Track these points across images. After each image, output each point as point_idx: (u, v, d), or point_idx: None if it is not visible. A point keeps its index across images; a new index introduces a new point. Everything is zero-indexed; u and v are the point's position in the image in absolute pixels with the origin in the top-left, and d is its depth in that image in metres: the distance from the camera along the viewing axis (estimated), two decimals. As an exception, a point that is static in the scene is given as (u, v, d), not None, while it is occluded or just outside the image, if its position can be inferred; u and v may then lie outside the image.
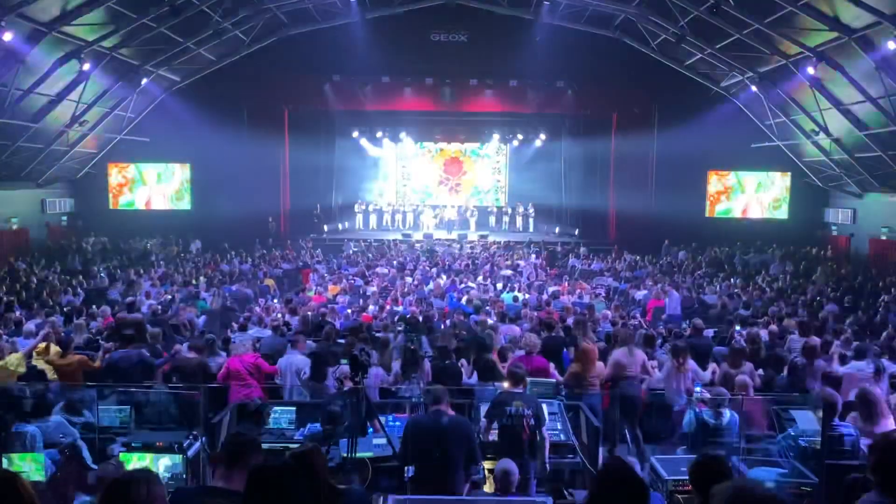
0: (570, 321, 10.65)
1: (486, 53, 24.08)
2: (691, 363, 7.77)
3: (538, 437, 5.93)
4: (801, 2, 15.94)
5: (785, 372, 7.82)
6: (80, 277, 16.47)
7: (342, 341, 9.18)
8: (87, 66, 18.25)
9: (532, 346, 8.34)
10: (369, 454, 5.73)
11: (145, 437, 5.39)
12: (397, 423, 6.28)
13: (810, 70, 18.27)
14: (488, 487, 5.44)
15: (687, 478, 4.79)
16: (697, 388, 7.33)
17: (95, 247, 23.45)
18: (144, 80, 21.98)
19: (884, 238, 22.55)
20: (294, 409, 6.52)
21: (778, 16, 17.22)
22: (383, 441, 5.76)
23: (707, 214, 27.04)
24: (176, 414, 6.09)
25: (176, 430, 5.61)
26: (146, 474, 2.78)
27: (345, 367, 6.73)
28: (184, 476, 5.03)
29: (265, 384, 7.94)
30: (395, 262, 19.67)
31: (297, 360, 8.11)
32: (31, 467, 4.83)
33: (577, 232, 27.27)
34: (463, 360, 8.40)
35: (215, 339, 9.08)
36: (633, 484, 2.95)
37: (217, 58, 23.77)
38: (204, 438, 5.50)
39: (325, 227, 27.37)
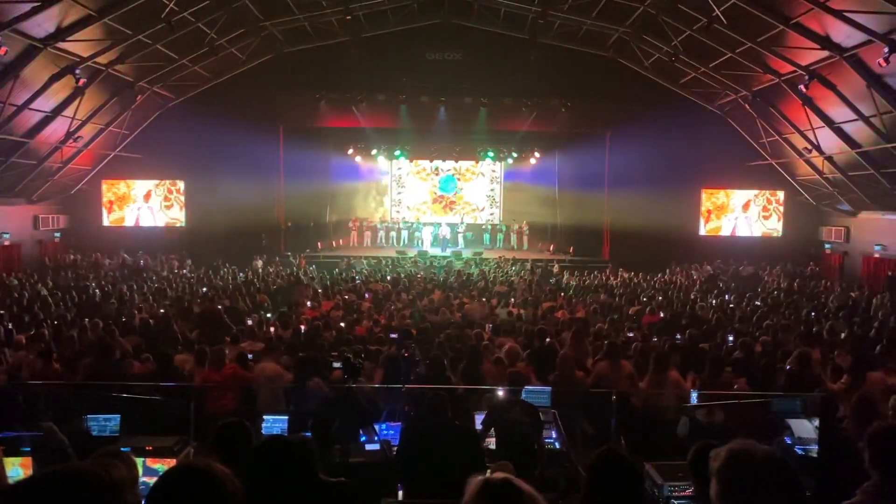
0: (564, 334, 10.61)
1: (480, 72, 24.25)
2: (674, 373, 7.78)
3: (536, 445, 5.88)
4: (793, 21, 16.09)
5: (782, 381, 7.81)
6: (73, 292, 16.37)
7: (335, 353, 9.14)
8: (82, 82, 18.28)
9: (514, 356, 8.33)
10: (361, 459, 5.66)
11: (135, 443, 5.33)
12: (391, 432, 6.21)
13: (802, 88, 18.42)
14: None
15: (683, 483, 4.81)
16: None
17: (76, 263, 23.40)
18: (140, 97, 22.04)
19: (877, 256, 22.62)
20: (286, 417, 6.45)
21: (770, 34, 17.37)
22: (376, 447, 5.70)
23: (701, 232, 27.17)
24: (166, 420, 6.03)
25: (166, 435, 5.54)
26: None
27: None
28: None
29: (241, 394, 7.83)
30: (388, 279, 19.61)
31: (270, 368, 8.07)
32: (19, 472, 4.75)
33: (571, 249, 27.31)
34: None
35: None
36: (626, 470, 2.92)
37: (213, 75, 23.85)
38: (195, 442, 5.44)
39: (319, 244, 27.39)
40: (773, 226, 27.10)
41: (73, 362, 8.84)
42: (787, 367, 8.04)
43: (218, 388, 7.60)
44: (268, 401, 7.54)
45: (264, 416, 6.45)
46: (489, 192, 31.01)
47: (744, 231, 27.16)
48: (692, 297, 17.08)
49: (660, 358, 7.77)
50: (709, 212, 27.37)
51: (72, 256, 24.12)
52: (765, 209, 27.10)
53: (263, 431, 6.16)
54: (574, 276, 21.66)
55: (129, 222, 26.97)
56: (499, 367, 8.36)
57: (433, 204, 30.93)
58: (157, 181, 26.82)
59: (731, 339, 10.68)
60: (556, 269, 23.66)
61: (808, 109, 19.57)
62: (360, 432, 6.11)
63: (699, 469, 3.28)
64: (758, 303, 16.51)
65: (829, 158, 21.26)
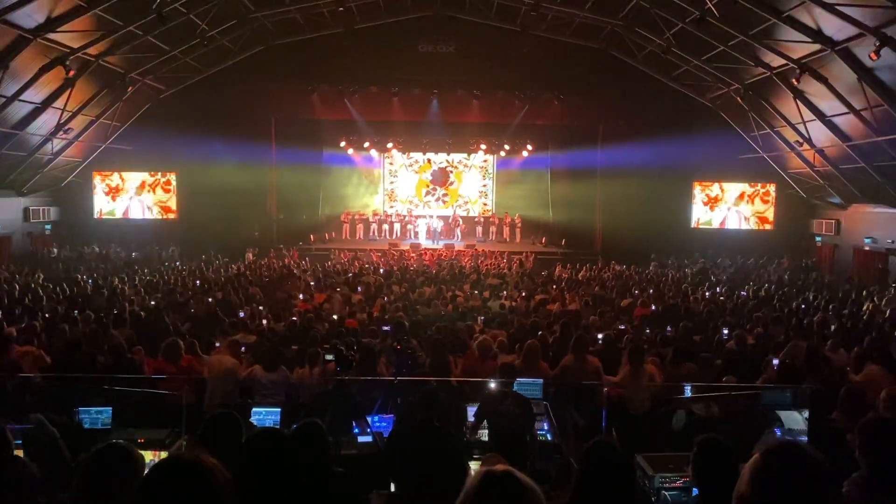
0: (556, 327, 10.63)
1: (473, 64, 24.23)
2: (650, 367, 7.86)
3: (528, 437, 5.90)
4: (785, 14, 16.12)
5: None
6: (64, 285, 16.31)
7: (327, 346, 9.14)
8: (72, 73, 18.15)
9: (486, 348, 8.39)
10: (353, 452, 5.68)
11: (127, 435, 5.32)
12: (383, 424, 6.23)
13: (794, 82, 18.47)
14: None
15: (674, 475, 4.84)
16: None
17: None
18: (130, 88, 21.91)
19: (867, 249, 22.74)
20: (279, 409, 6.46)
21: (762, 28, 17.41)
22: (369, 439, 5.71)
23: (692, 225, 27.25)
24: (158, 412, 6.03)
25: (158, 427, 5.54)
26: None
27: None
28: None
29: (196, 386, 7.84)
30: (381, 271, 19.60)
31: (225, 361, 8.09)
32: (9, 465, 4.74)
33: (563, 242, 27.35)
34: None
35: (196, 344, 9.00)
36: (617, 461, 2.94)
37: (204, 66, 23.73)
38: (187, 435, 5.44)
39: (312, 237, 27.34)
40: (765, 219, 27.23)
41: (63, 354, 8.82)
42: (776, 360, 8.08)
43: (173, 379, 7.57)
44: (219, 393, 7.53)
45: (253, 409, 6.44)
46: (482, 184, 30.96)
47: (733, 223, 27.25)
48: (683, 289, 17.14)
49: (635, 351, 7.84)
50: (703, 204, 27.42)
51: (55, 250, 24.01)
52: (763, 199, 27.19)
53: (255, 423, 6.16)
54: (567, 269, 21.66)
55: (118, 213, 26.86)
56: (470, 359, 8.44)
57: (426, 196, 30.88)
58: (149, 173, 26.72)
59: (725, 331, 10.72)
60: (529, 263, 23.45)
61: (799, 102, 19.63)
62: (353, 424, 6.12)
63: (703, 461, 3.29)
64: (743, 293, 16.61)
65: (821, 151, 21.34)
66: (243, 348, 9.41)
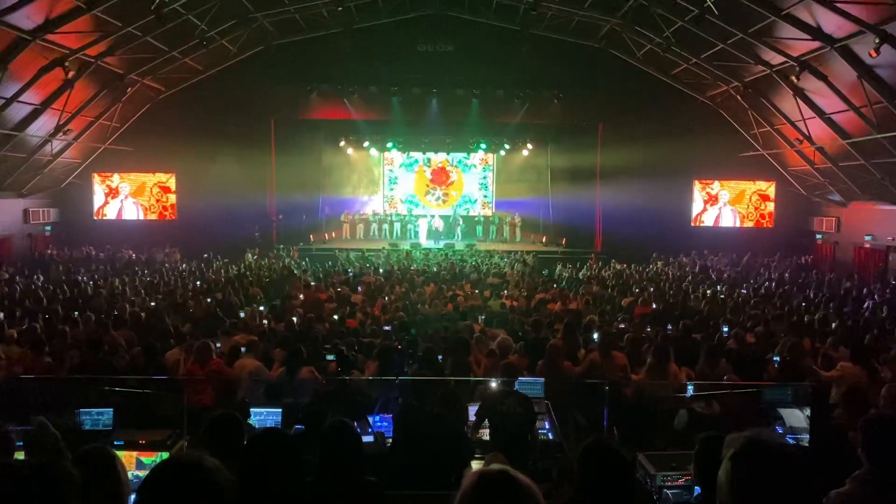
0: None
1: (472, 63, 24.23)
2: (674, 366, 7.80)
3: (530, 436, 5.89)
4: (784, 12, 16.09)
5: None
6: (64, 286, 16.30)
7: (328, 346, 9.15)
8: (71, 75, 18.13)
9: (506, 348, 8.37)
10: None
11: (129, 436, 5.31)
12: (384, 424, 6.21)
13: (794, 79, 18.46)
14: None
15: (676, 473, 4.83)
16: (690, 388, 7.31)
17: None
18: (130, 89, 21.89)
19: (867, 246, 22.74)
20: (280, 410, 6.43)
21: (761, 26, 17.39)
22: (370, 440, 5.70)
23: (693, 224, 27.23)
24: (159, 413, 6.02)
25: (160, 428, 5.53)
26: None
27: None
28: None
29: (222, 389, 7.82)
30: (381, 271, 19.59)
31: (248, 364, 8.10)
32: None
33: (563, 241, 27.32)
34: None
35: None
36: (614, 458, 2.94)
37: (203, 67, 23.72)
38: (189, 436, 5.43)
39: (312, 237, 27.33)
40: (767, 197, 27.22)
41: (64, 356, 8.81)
42: (776, 357, 8.07)
43: (199, 382, 7.57)
44: (248, 396, 7.54)
45: (251, 409, 6.41)
46: (481, 183, 30.92)
47: (727, 222, 27.24)
48: (684, 287, 17.12)
49: (661, 350, 7.77)
50: (704, 202, 27.40)
51: (51, 251, 24.00)
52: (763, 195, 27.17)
53: (256, 424, 6.14)
54: (567, 268, 21.67)
55: (111, 215, 26.84)
56: (492, 359, 8.38)
57: (425, 196, 30.87)
58: (148, 174, 26.70)
59: (725, 329, 10.70)
60: (529, 259, 23.44)
61: (799, 100, 19.61)
62: (354, 425, 6.10)
63: (704, 459, 3.28)
64: (744, 291, 16.61)
65: (821, 149, 21.32)
66: (244, 349, 9.39)
